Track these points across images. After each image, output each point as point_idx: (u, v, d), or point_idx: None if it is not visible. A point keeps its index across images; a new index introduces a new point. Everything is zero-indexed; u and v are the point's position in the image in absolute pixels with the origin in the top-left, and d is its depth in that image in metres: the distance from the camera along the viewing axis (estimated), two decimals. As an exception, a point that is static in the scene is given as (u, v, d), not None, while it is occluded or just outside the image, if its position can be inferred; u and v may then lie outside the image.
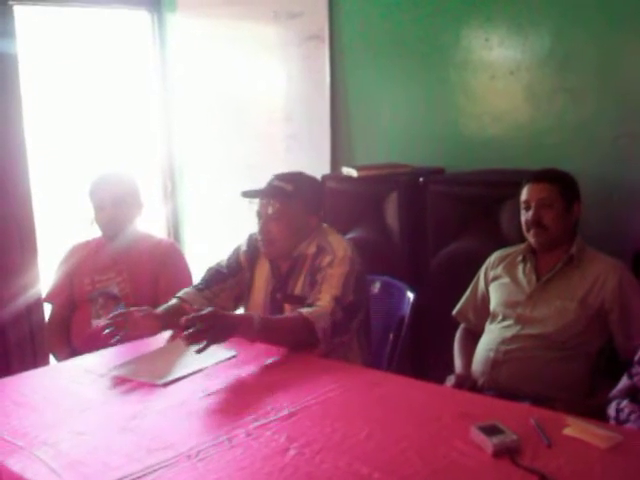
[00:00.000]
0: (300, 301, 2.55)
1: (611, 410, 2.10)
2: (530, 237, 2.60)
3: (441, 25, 3.53)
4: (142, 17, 4.58)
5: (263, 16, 4.14)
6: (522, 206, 2.62)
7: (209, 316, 2.18)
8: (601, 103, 3.13)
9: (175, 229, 4.78)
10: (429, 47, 3.57)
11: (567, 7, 3.16)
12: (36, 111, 4.14)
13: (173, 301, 2.66)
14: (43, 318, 3.44)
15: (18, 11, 3.85)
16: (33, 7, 4.14)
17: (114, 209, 3.07)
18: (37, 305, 3.51)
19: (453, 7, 3.47)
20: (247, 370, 2.25)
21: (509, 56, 3.35)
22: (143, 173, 4.49)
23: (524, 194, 2.61)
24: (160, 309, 2.61)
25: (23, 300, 3.64)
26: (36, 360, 3.64)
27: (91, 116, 4.50)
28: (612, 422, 2.06)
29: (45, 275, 3.58)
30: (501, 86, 3.39)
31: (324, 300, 2.44)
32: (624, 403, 2.05)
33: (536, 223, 2.55)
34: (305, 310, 2.42)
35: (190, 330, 2.14)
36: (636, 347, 2.25)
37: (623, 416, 2.04)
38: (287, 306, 2.61)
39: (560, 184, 2.58)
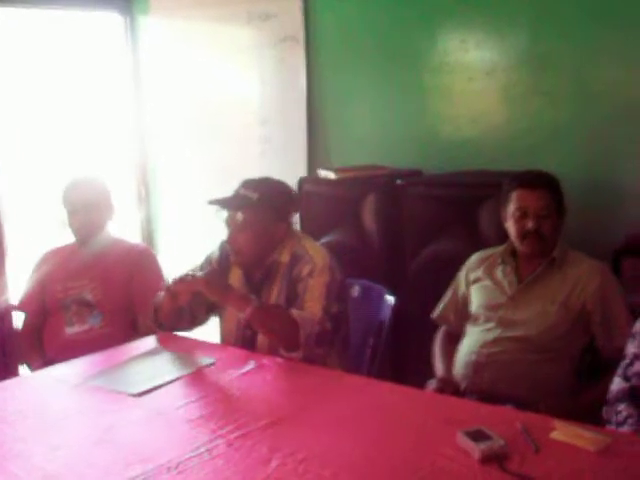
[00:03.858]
0: None
1: (608, 413, 2.07)
2: (523, 246, 2.54)
3: (417, 27, 3.51)
4: (114, 19, 4.50)
5: (236, 18, 4.09)
6: (514, 213, 2.53)
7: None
8: (577, 105, 3.14)
9: (149, 233, 4.71)
10: (406, 49, 3.56)
11: (544, 8, 3.16)
12: (6, 114, 4.05)
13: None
14: (12, 326, 3.35)
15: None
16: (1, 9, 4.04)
17: (86, 213, 3.02)
18: (7, 313, 3.41)
19: (429, 9, 3.46)
20: (225, 378, 2.20)
21: (485, 58, 3.34)
22: (116, 177, 4.42)
23: (518, 200, 2.53)
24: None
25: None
26: (7, 369, 3.54)
27: (63, 119, 4.42)
28: (609, 426, 2.03)
29: (15, 282, 3.50)
30: (478, 88, 3.38)
31: (314, 308, 2.40)
32: (621, 406, 2.03)
33: (535, 233, 2.49)
34: (295, 311, 2.38)
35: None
36: (618, 348, 2.23)
37: (620, 419, 2.01)
38: None
39: (555, 191, 2.54)
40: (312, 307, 2.40)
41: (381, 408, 1.96)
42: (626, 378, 2.08)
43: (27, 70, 4.28)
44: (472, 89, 3.40)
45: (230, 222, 2.55)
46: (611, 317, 2.45)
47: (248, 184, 2.57)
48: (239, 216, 2.52)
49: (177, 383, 2.17)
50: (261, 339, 2.51)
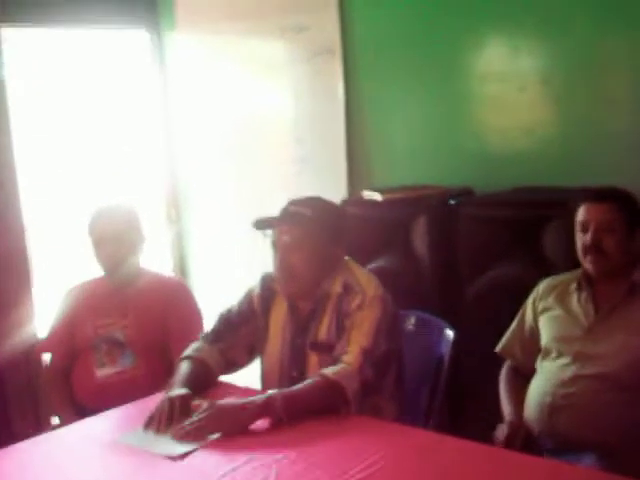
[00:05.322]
0: (327, 349, 2.25)
1: None
2: (587, 263, 2.32)
3: (462, 34, 3.29)
4: (141, 37, 4.31)
5: (268, 31, 3.88)
6: (578, 228, 2.35)
7: (214, 413, 2.00)
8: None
9: (181, 261, 4.48)
10: (450, 57, 3.33)
11: (601, 10, 2.92)
12: (31, 137, 3.89)
13: (186, 366, 2.32)
14: (41, 365, 3.15)
15: (6, 33, 3.62)
16: (25, 29, 3.88)
17: (113, 244, 2.80)
18: (35, 352, 3.22)
19: (474, 14, 3.23)
20: (275, 438, 1.95)
21: (538, 65, 3.11)
22: (145, 201, 4.23)
23: (581, 214, 2.34)
24: (182, 380, 2.26)
25: (19, 343, 3.37)
26: (38, 413, 3.36)
27: (90, 142, 4.23)
28: None
29: (40, 314, 3.34)
30: (530, 97, 3.15)
31: (351, 355, 2.16)
32: None
33: (594, 248, 2.28)
34: (330, 371, 2.13)
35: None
36: None
37: None
38: (312, 355, 2.30)
39: (623, 205, 2.31)
40: (350, 352, 2.16)
41: (458, 473, 1.71)
42: None
43: (54, 91, 4.10)
44: (524, 99, 3.17)
45: (280, 243, 2.31)
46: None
47: (298, 202, 2.35)
48: (292, 234, 2.28)
49: (220, 443, 1.92)
50: (311, 363, 2.28)
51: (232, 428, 1.98)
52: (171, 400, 2.11)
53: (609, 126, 2.97)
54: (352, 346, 2.18)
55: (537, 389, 2.33)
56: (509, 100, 3.21)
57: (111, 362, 2.77)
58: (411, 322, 2.62)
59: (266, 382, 2.41)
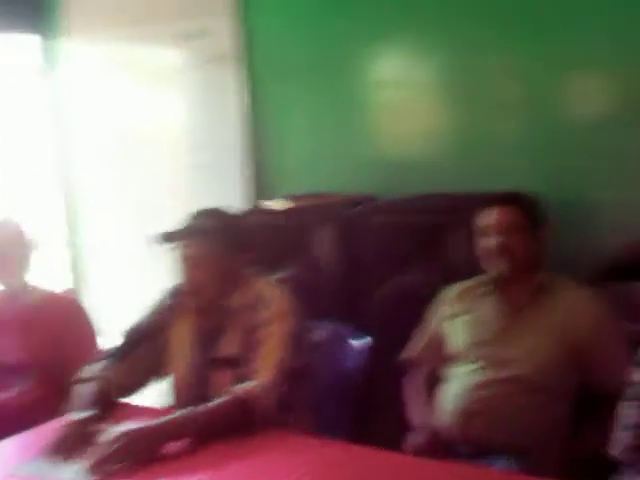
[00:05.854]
0: (233, 364, 2.17)
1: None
2: (494, 265, 2.34)
3: (362, 41, 3.29)
4: (31, 42, 4.12)
5: (162, 37, 3.78)
6: (480, 232, 2.36)
7: (124, 442, 1.85)
8: (539, 118, 2.95)
9: (76, 276, 4.29)
10: (350, 65, 3.33)
11: (501, 19, 2.96)
12: None
13: (88, 387, 2.19)
14: None
15: None
16: None
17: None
18: None
19: (375, 22, 3.23)
20: (187, 461, 1.86)
21: (438, 71, 3.14)
22: (36, 214, 4.06)
23: (484, 219, 2.36)
24: (84, 402, 2.13)
25: None
26: None
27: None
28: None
29: None
30: (431, 103, 3.18)
31: (264, 370, 2.10)
32: None
33: (502, 250, 2.30)
34: (242, 388, 2.06)
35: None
36: (619, 382, 2.00)
37: None
38: (220, 372, 2.21)
39: (525, 208, 2.35)
40: (263, 368, 2.10)
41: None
42: None
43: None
44: (423, 105, 3.19)
45: (183, 258, 2.23)
46: (609, 348, 2.23)
47: (199, 214, 2.28)
48: (194, 248, 2.21)
49: (131, 470, 1.81)
50: (218, 380, 2.19)
51: (141, 454, 1.86)
52: (73, 425, 1.98)
53: (505, 132, 3.01)
54: (264, 361, 2.12)
55: (450, 395, 2.32)
56: (409, 107, 3.23)
57: (5, 387, 2.60)
58: (320, 332, 2.57)
59: (176, 401, 2.31)
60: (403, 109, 3.24)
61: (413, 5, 3.13)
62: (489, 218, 2.34)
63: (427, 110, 3.19)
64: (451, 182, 3.04)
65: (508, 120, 3.01)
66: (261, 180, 3.61)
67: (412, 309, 2.59)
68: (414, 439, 2.27)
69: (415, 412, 2.41)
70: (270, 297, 2.23)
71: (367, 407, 2.81)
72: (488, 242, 2.33)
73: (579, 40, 2.79)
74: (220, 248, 2.22)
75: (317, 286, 3.00)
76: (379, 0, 3.22)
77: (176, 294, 2.33)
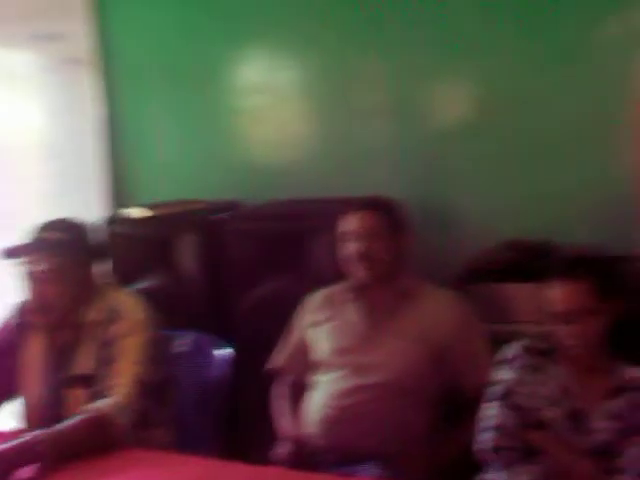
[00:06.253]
0: (88, 382, 2.07)
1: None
2: (357, 271, 2.32)
3: (223, 48, 3.26)
4: None
5: (12, 39, 3.59)
6: (343, 238, 2.34)
7: None
8: (398, 123, 2.99)
9: None
10: (213, 70, 3.29)
11: (356, 26, 2.99)
12: None
13: None
14: None
15: None
16: None
17: None
18: None
19: (236, 29, 3.21)
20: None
21: (299, 77, 3.14)
22: None
23: (346, 224, 2.34)
24: None
25: None
26: None
27: None
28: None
29: None
30: (292, 109, 3.18)
31: (122, 386, 2.00)
32: None
33: (363, 255, 2.28)
34: (99, 406, 1.96)
35: None
36: (482, 384, 2.04)
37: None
38: (74, 389, 2.10)
39: (386, 212, 2.34)
40: (121, 384, 2.01)
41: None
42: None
43: None
44: (287, 111, 3.19)
45: (31, 273, 2.11)
46: (472, 350, 2.26)
47: (48, 226, 2.16)
48: (43, 263, 2.09)
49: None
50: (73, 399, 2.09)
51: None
52: None
53: (369, 137, 3.03)
54: (120, 377, 2.03)
55: (317, 403, 2.28)
56: (272, 112, 3.21)
57: None
58: (184, 343, 2.49)
59: (28, 423, 2.18)
60: (267, 115, 3.23)
61: (278, 12, 3.12)
62: (350, 224, 2.33)
63: (292, 116, 3.19)
64: (317, 188, 3.03)
65: (372, 126, 3.03)
66: (122, 188, 3.50)
67: (277, 317, 2.55)
68: (280, 449, 2.23)
69: (281, 422, 2.38)
70: (125, 309, 2.16)
71: (235, 418, 2.76)
72: (349, 248, 2.32)
73: (441, 49, 2.85)
74: (69, 261, 2.13)
75: (180, 295, 2.93)
76: (244, 6, 3.19)
77: (24, 312, 2.19)
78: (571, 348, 1.89)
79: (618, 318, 1.90)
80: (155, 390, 2.11)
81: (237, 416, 2.79)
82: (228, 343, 2.45)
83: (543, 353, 1.96)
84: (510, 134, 2.79)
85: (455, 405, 2.27)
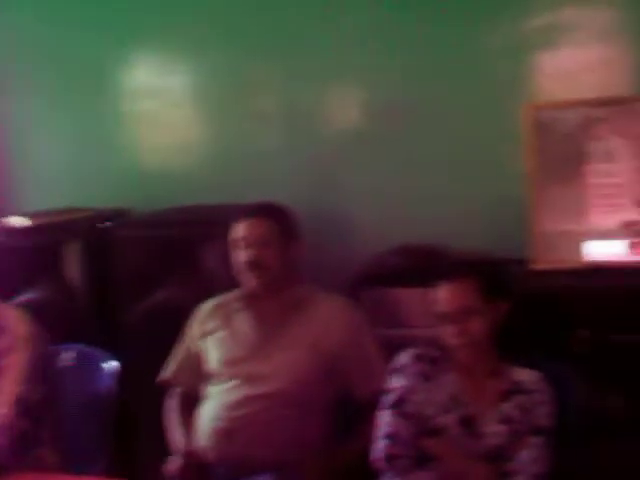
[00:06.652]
0: None
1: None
2: (248, 279, 2.28)
3: (112, 48, 3.18)
4: None
5: None
6: (234, 245, 2.30)
7: None
8: (291, 129, 2.99)
9: None
10: (100, 73, 3.21)
11: (249, 30, 2.97)
12: None
13: None
14: None
15: None
16: None
17: None
18: None
19: (126, 29, 3.15)
20: None
21: (192, 81, 3.10)
22: None
23: (236, 231, 2.29)
24: None
25: None
26: None
27: None
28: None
29: None
30: (185, 114, 3.13)
31: (2, 406, 1.93)
32: None
33: (254, 263, 2.24)
34: None
35: None
36: (376, 390, 2.04)
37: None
38: None
39: (276, 219, 2.30)
40: (3, 403, 1.94)
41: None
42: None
43: None
44: (178, 116, 3.14)
45: None
46: (365, 357, 2.25)
47: None
48: None
49: None
50: None
51: None
52: None
53: (262, 143, 3.03)
54: (2, 396, 1.93)
55: (208, 415, 2.23)
56: (163, 117, 3.16)
57: None
58: (69, 357, 2.39)
59: None
60: (158, 120, 3.17)
61: (169, 15, 3.08)
62: (240, 231, 2.28)
63: (183, 121, 3.15)
64: (210, 194, 2.99)
65: (266, 132, 3.03)
66: (5, 195, 3.37)
67: (169, 327, 2.48)
68: (171, 464, 2.16)
69: (172, 436, 2.30)
70: (9, 324, 2.07)
71: (125, 434, 2.67)
72: (239, 255, 2.28)
73: (333, 55, 2.86)
74: None
75: (65, 308, 2.82)
76: (134, 8, 3.12)
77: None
78: (458, 348, 1.92)
79: (504, 320, 1.94)
80: (37, 409, 2.01)
81: (127, 431, 2.70)
82: (115, 356, 2.37)
83: (434, 361, 1.98)
84: (400, 141, 2.81)
85: (350, 413, 2.25)
